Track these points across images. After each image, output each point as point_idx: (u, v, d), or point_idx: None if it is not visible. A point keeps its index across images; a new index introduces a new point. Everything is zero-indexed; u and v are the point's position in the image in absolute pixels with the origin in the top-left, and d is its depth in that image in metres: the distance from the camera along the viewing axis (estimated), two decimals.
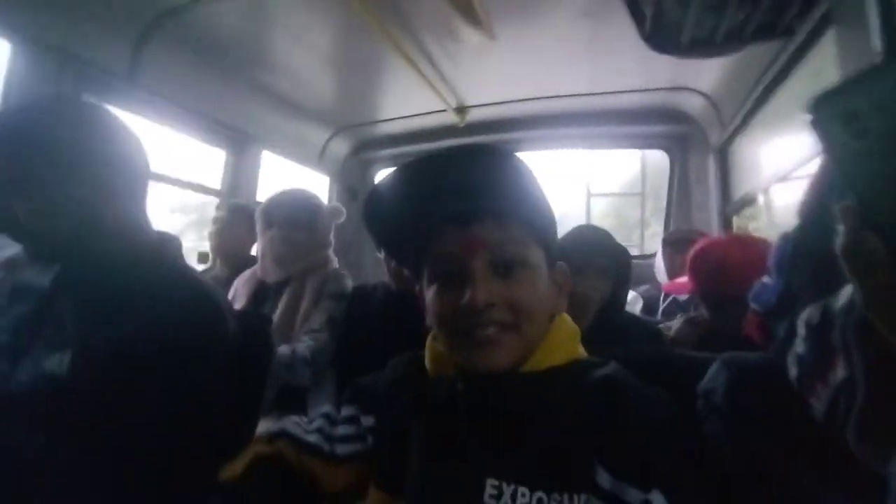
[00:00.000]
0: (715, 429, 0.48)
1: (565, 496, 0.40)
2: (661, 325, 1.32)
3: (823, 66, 1.07)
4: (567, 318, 0.55)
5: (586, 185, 3.13)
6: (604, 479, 0.40)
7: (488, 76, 2.01)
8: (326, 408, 0.58)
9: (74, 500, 0.56)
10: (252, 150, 2.26)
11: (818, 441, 0.39)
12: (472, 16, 1.54)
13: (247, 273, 1.50)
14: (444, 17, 1.55)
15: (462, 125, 2.42)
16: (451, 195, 0.46)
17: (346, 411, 0.57)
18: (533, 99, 2.18)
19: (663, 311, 1.64)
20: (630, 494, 0.39)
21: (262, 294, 1.43)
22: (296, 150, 2.55)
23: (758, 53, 1.34)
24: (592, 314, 1.06)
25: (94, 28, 1.45)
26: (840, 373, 0.35)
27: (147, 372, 0.62)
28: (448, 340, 0.48)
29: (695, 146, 2.13)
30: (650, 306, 1.81)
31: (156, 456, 0.60)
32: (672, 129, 2.19)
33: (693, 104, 2.01)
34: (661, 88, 1.99)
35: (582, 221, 3.40)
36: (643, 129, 2.27)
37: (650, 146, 2.41)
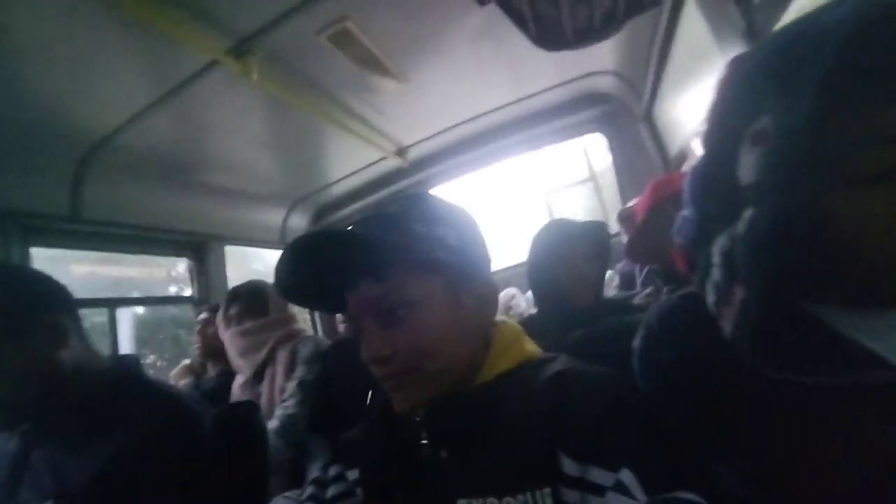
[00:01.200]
0: (647, 384, 0.50)
1: (528, 494, 0.42)
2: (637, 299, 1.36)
3: (694, 24, 1.17)
4: (509, 323, 0.57)
5: (543, 186, 3.22)
6: (569, 466, 0.41)
7: (417, 115, 2.11)
8: (315, 473, 0.59)
9: None
10: (214, 250, 2.28)
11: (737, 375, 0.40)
12: (380, 68, 1.63)
13: (239, 377, 1.50)
14: (358, 77, 1.64)
15: (406, 165, 2.51)
16: (334, 265, 0.49)
17: (333, 470, 0.57)
18: (464, 122, 2.28)
19: (642, 283, 1.67)
20: (599, 476, 0.39)
21: (253, 388, 1.43)
22: (257, 236, 2.58)
23: (642, 24, 1.45)
24: (589, 295, 1.13)
25: (29, 180, 1.49)
26: (739, 293, 0.38)
27: (130, 496, 0.63)
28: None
29: (624, 121, 2.24)
30: (628, 281, 1.84)
31: None
32: (600, 110, 2.31)
33: (609, 84, 2.13)
34: (576, 78, 2.12)
35: (545, 220, 3.49)
36: (573, 119, 2.38)
37: (585, 132, 2.51)
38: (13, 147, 1.40)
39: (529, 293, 2.24)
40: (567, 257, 1.14)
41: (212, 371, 1.78)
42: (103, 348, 1.92)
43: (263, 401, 1.34)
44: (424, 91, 1.88)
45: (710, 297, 0.43)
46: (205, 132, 1.77)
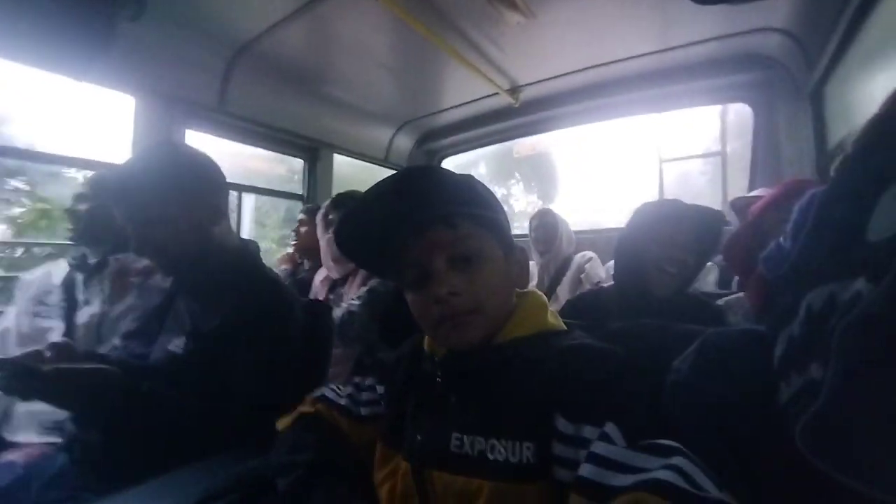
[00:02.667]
0: (679, 406, 0.49)
1: (512, 443, 0.48)
2: (727, 301, 1.25)
3: None
4: (536, 293, 0.62)
5: (657, 152, 2.89)
6: (563, 424, 0.46)
7: (536, 53, 1.99)
8: (357, 378, 0.71)
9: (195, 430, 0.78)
10: (325, 156, 2.51)
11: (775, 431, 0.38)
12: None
13: (320, 273, 1.72)
14: (482, 5, 1.58)
15: (517, 105, 2.42)
16: (404, 214, 0.53)
17: (369, 381, 0.69)
18: (588, 68, 2.09)
19: (739, 284, 1.51)
20: (587, 431, 0.43)
21: (333, 288, 1.64)
22: (365, 151, 2.76)
23: None
24: (670, 288, 1.07)
25: (187, 72, 1.76)
26: (814, 370, 0.33)
27: (238, 345, 0.83)
28: (430, 333, 0.57)
29: (782, 93, 1.87)
30: (725, 277, 1.67)
31: (249, 401, 0.81)
32: (754, 76, 1.95)
33: (775, 46, 1.76)
34: (737, 34, 1.78)
35: (654, 190, 3.17)
36: (721, 82, 2.04)
37: (730, 99, 2.16)
38: (178, 42, 1.65)
39: (610, 263, 2.15)
40: (665, 242, 1.06)
41: (307, 264, 2.06)
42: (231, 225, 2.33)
43: (343, 302, 1.53)
44: (550, 29, 1.75)
45: (779, 349, 0.39)
46: (331, 46, 1.88)
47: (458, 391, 0.55)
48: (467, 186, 0.56)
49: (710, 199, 3.01)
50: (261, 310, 0.86)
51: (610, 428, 0.42)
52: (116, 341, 1.02)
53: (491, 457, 0.48)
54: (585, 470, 0.40)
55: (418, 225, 0.54)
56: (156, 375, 0.82)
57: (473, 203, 0.55)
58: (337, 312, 1.40)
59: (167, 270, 0.97)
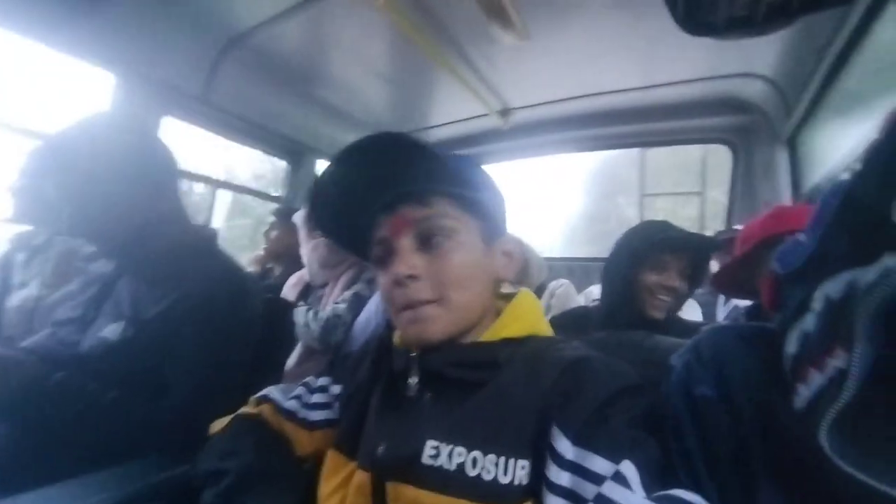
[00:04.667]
0: (672, 404, 0.45)
1: (501, 458, 0.41)
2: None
3: (889, 36, 0.95)
4: (530, 294, 0.56)
5: (639, 186, 2.96)
6: (565, 447, 0.39)
7: (529, 77, 2.01)
8: (309, 377, 0.63)
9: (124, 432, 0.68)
10: (309, 160, 2.45)
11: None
12: (504, 18, 1.56)
13: (293, 278, 1.63)
14: (480, 23, 1.59)
15: (506, 128, 2.43)
16: (378, 188, 0.49)
17: (321, 381, 0.62)
18: (577, 97, 2.13)
19: (725, 318, 1.50)
20: (597, 464, 0.37)
21: (305, 294, 1.56)
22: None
23: (819, 28, 1.21)
24: (662, 313, 1.04)
25: (174, 56, 1.69)
26: (837, 362, 0.31)
27: (183, 334, 0.75)
28: (393, 318, 0.51)
29: (760, 137, 1.94)
30: (708, 313, 1.66)
31: (187, 398, 0.72)
32: (734, 119, 2.02)
33: (756, 91, 1.83)
34: (719, 76, 1.84)
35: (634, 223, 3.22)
36: (702, 123, 2.11)
37: (710, 140, 2.22)
38: (168, 22, 1.59)
39: (592, 289, 2.13)
40: (660, 268, 1.04)
41: (276, 270, 1.97)
42: (200, 218, 2.23)
43: (325, 305, 1.45)
44: (543, 53, 1.77)
45: (791, 348, 0.36)
46: (325, 48, 1.85)
47: (436, 392, 0.48)
48: (449, 163, 0.51)
49: None
50: (212, 296, 0.78)
51: (626, 467, 0.36)
52: (48, 329, 0.91)
53: (472, 473, 0.41)
54: None
55: (389, 200, 0.49)
56: (82, 365, 0.73)
57: (453, 181, 0.50)
58: (323, 314, 1.34)
59: (105, 252, 0.89)
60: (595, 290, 2.17)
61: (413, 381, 0.49)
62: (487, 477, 0.40)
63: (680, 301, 1.08)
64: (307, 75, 2.05)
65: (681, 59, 1.75)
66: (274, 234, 1.89)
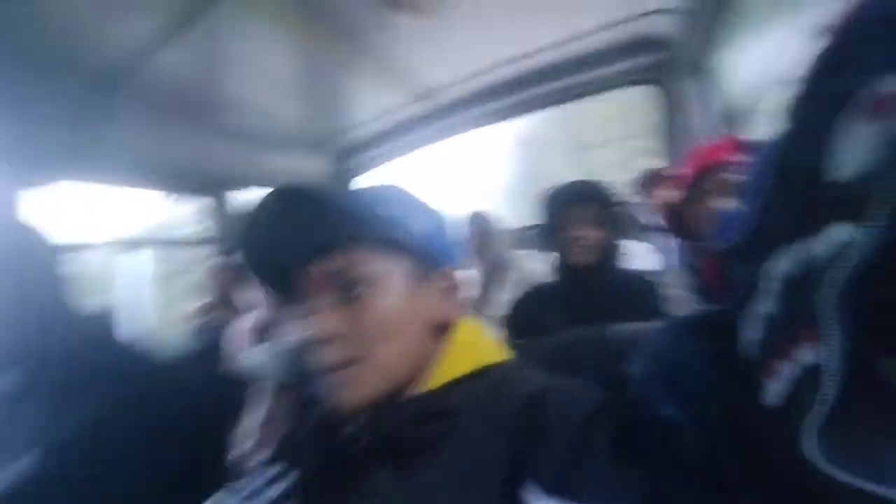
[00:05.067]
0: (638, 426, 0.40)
1: None
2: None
3: None
4: (470, 324, 0.51)
5: (571, 141, 2.96)
6: (541, 499, 0.36)
7: (443, 56, 1.93)
8: (262, 468, 0.55)
9: None
10: (235, 192, 2.27)
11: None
12: (405, 2, 1.45)
13: (244, 321, 1.49)
14: (381, 13, 1.48)
15: (431, 110, 2.35)
16: (291, 245, 0.45)
17: (277, 468, 0.53)
18: (496, 67, 2.08)
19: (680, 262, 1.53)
20: None
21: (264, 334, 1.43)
22: (278, 180, 2.53)
23: None
24: (591, 256, 1.16)
25: (51, 109, 1.45)
26: (807, 353, 0.27)
27: (117, 445, 0.67)
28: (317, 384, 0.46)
29: (682, 72, 1.96)
30: (670, 259, 1.69)
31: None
32: (654, 58, 2.03)
33: (667, 26, 1.84)
34: (629, 19, 1.84)
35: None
36: (623, 67, 2.11)
37: (636, 83, 2.23)
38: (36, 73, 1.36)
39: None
40: (574, 225, 1.16)
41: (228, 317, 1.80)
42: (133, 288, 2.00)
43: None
44: (452, 29, 1.69)
45: (751, 333, 0.31)
46: (220, 69, 1.70)
47: (391, 462, 0.43)
48: (371, 204, 0.47)
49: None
50: (126, 403, 0.69)
51: None
52: None
53: None
54: None
55: (301, 256, 0.46)
56: None
57: (369, 223, 0.45)
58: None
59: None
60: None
61: (357, 456, 0.45)
62: None
63: (607, 247, 1.19)
64: (208, 103, 1.89)
65: (593, 7, 1.72)
66: (219, 277, 1.69)
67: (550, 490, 0.35)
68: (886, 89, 0.23)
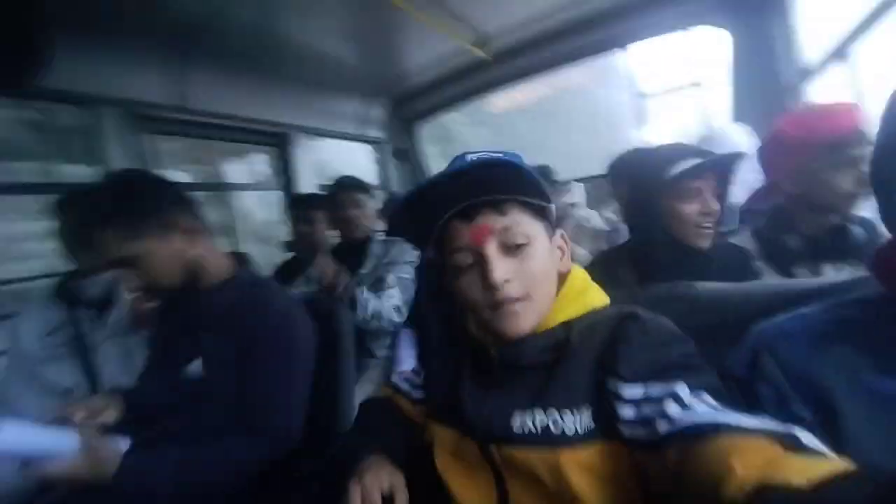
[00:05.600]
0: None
1: (575, 412, 0.50)
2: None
3: None
4: (578, 272, 0.62)
5: (637, 87, 2.82)
6: (621, 386, 0.47)
7: (500, 3, 1.90)
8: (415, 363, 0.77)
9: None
10: (298, 140, 2.42)
11: None
12: None
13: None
14: None
15: (489, 57, 2.32)
16: (455, 196, 0.54)
17: (414, 367, 0.75)
18: (555, 12, 2.01)
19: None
20: (654, 390, 0.45)
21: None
22: (338, 128, 2.66)
23: None
24: (709, 241, 0.95)
25: (142, 74, 1.66)
26: None
27: (260, 360, 0.84)
28: (478, 317, 0.57)
29: (761, 12, 1.80)
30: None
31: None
32: None
33: None
34: None
35: (634, 128, 3.10)
36: (693, 7, 1.97)
37: (706, 23, 2.07)
38: (127, 43, 1.56)
39: (610, 214, 2.11)
40: (698, 198, 0.92)
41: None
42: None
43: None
44: None
45: None
46: (283, 22, 1.78)
47: (517, 373, 0.57)
48: (516, 173, 0.55)
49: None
50: (276, 328, 0.86)
51: (680, 388, 0.43)
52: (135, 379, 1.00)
53: (556, 431, 0.50)
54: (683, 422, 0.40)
55: (468, 209, 0.54)
56: (181, 397, 0.84)
57: (522, 189, 0.55)
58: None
59: (157, 303, 0.97)
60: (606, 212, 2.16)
61: (497, 366, 0.58)
62: (569, 431, 0.50)
63: (718, 223, 0.97)
64: (273, 54, 1.98)
65: None
66: (309, 228, 1.83)
67: (631, 379, 0.47)
68: None
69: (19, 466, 0.63)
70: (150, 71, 1.68)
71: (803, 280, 0.93)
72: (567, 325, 0.56)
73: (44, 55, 1.34)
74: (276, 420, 0.82)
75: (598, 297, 0.61)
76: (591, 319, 0.57)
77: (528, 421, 0.53)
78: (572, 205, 2.11)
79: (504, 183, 0.54)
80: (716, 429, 0.37)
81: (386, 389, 0.77)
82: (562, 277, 0.61)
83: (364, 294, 1.40)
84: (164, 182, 0.90)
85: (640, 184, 1.01)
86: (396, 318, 1.45)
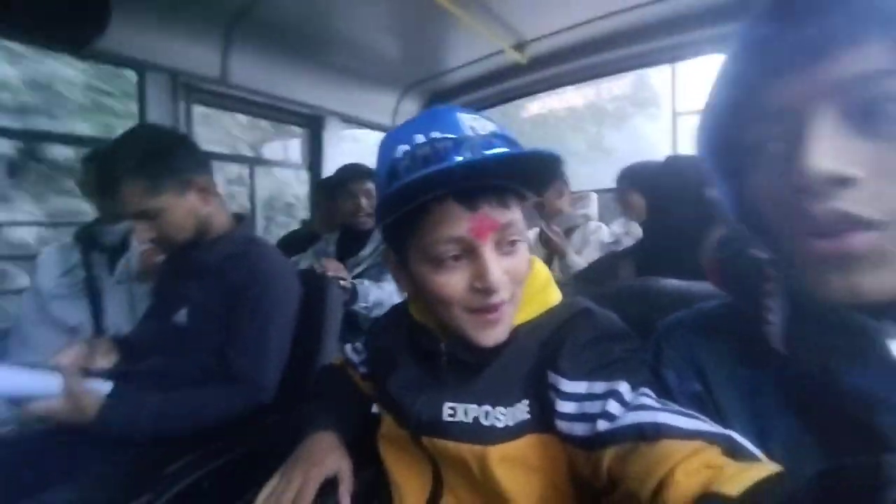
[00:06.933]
0: None
1: (508, 408, 0.49)
2: None
3: None
4: (541, 267, 0.58)
5: (671, 104, 2.78)
6: (562, 382, 0.45)
7: (541, 7, 1.90)
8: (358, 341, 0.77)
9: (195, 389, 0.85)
10: (330, 125, 2.49)
11: None
12: None
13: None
14: None
15: (525, 62, 2.32)
16: (458, 172, 0.43)
17: (360, 343, 0.75)
18: (594, 20, 1.99)
19: None
20: (596, 388, 0.43)
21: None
22: (370, 118, 2.72)
23: None
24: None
25: (187, 45, 1.74)
26: None
27: (242, 313, 0.89)
28: (450, 315, 0.50)
29: None
30: None
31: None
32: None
33: None
34: None
35: (668, 146, 3.05)
36: (731, 28, 1.93)
37: None
38: (176, 13, 1.62)
39: (616, 227, 2.08)
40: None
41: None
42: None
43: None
44: None
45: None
46: (330, 9, 1.83)
47: (454, 369, 0.55)
48: (521, 156, 0.45)
49: None
50: (263, 282, 0.90)
51: (622, 387, 0.42)
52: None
53: (486, 423, 0.49)
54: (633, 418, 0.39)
55: (471, 193, 0.45)
56: (166, 344, 0.90)
57: (521, 175, 0.48)
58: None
59: (166, 255, 1.03)
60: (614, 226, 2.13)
61: (441, 360, 0.55)
62: (499, 424, 0.48)
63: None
64: (317, 39, 2.04)
65: None
66: (326, 204, 1.91)
67: (572, 376, 0.45)
68: None
69: (5, 405, 0.68)
70: (193, 41, 1.74)
71: None
72: (524, 326, 0.53)
73: (101, 19, 1.42)
74: (251, 372, 0.86)
75: (555, 295, 0.56)
76: (545, 317, 0.53)
77: (461, 413, 0.50)
78: (586, 215, 2.09)
79: (510, 167, 0.46)
80: (656, 430, 0.36)
81: (339, 358, 0.78)
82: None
83: (365, 284, 1.42)
84: (184, 141, 0.95)
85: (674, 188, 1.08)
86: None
